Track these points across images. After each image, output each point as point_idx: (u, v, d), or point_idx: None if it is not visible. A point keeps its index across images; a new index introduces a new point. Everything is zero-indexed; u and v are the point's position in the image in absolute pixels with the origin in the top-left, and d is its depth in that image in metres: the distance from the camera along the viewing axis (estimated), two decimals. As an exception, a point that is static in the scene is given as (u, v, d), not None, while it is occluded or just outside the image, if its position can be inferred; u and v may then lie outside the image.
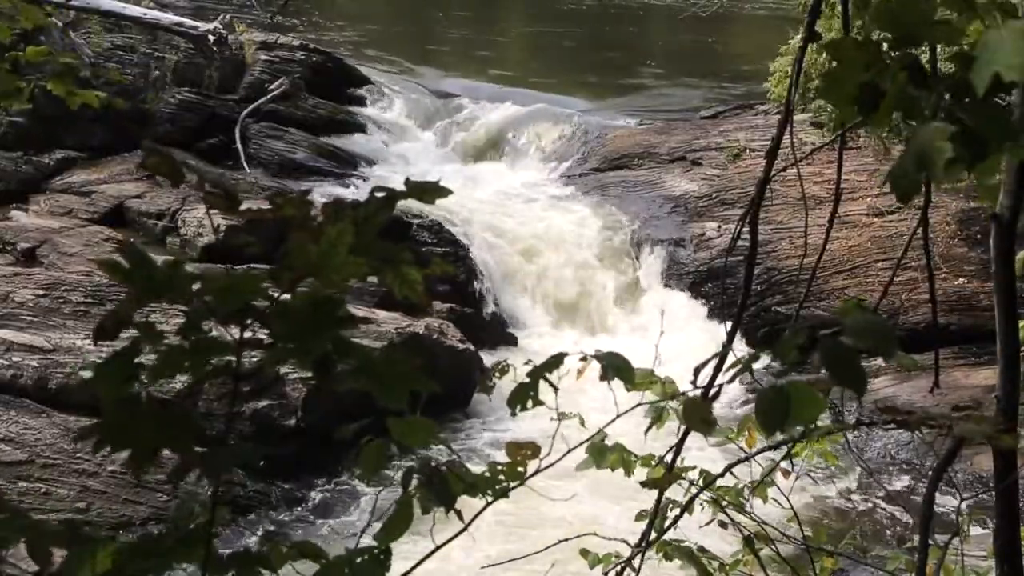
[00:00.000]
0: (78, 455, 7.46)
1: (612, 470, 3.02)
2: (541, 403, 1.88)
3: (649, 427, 2.65)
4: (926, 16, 1.37)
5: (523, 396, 1.86)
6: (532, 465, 1.90)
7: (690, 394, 2.12)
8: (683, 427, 2.58)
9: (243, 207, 1.36)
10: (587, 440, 2.55)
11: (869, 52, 1.37)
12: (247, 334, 1.30)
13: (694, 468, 3.15)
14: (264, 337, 1.31)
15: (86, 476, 7.40)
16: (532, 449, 1.89)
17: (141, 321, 1.30)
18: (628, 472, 3.05)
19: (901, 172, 1.36)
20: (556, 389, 1.89)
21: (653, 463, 3.12)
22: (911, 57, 1.38)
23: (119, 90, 12.00)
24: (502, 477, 1.81)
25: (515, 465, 1.83)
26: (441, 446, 2.01)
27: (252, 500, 7.74)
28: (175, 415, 1.29)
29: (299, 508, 7.92)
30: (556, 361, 1.83)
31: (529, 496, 2.23)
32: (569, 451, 2.21)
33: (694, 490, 2.98)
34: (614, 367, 1.96)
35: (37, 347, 8.20)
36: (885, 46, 1.42)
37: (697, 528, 3.34)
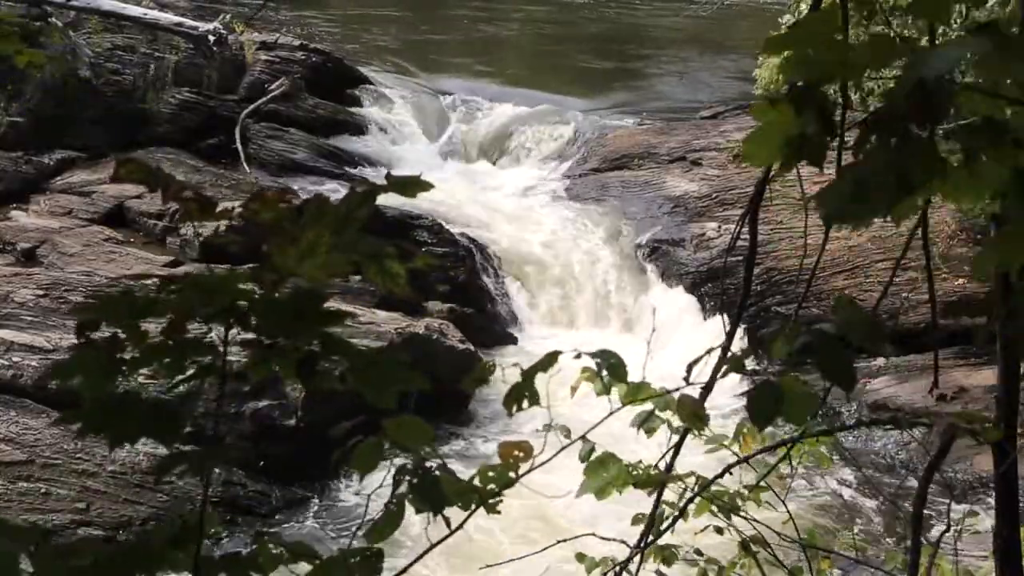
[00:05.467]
0: (78, 455, 7.45)
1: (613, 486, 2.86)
2: (537, 403, 1.87)
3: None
4: (844, 58, 1.36)
5: (518, 396, 1.85)
6: (523, 465, 1.87)
7: (684, 391, 2.12)
8: (679, 432, 2.58)
9: (219, 209, 1.37)
10: (579, 438, 2.51)
11: (790, 112, 1.38)
12: (233, 336, 1.30)
13: (690, 475, 3.13)
14: (252, 337, 1.31)
15: (86, 476, 7.39)
16: (525, 449, 1.87)
17: (126, 322, 1.31)
18: (628, 483, 3.02)
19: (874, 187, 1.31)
20: (536, 399, 1.87)
21: (650, 468, 3.10)
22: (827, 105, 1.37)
23: (119, 90, 12.02)
24: (492, 485, 1.79)
25: (507, 468, 1.82)
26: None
27: (252, 501, 7.73)
28: (159, 406, 1.29)
29: (299, 509, 7.91)
30: (550, 360, 1.83)
31: (532, 496, 2.21)
32: (562, 448, 2.20)
33: (690, 494, 2.96)
34: (607, 365, 1.95)
35: (37, 347, 8.19)
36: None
37: (694, 532, 3.33)
